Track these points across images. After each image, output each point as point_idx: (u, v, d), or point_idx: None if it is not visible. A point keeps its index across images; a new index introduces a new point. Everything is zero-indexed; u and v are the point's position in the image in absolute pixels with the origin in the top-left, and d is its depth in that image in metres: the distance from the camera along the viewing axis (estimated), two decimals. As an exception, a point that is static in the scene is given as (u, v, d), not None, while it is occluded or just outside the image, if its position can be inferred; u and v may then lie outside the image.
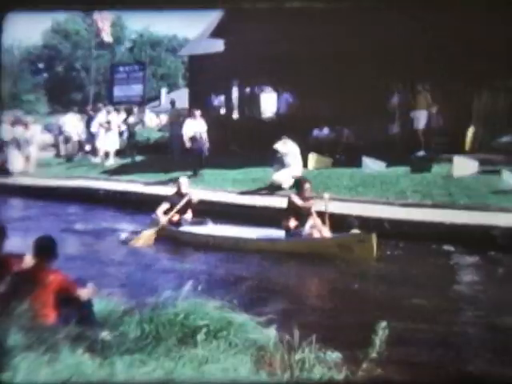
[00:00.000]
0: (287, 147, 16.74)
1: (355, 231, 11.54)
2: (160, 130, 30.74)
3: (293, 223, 12.04)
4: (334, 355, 5.57)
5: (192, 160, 19.13)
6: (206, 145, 19.21)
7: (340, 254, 11.12)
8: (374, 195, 14.65)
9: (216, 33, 24.07)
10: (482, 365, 6.44)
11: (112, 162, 23.80)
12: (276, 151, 16.66)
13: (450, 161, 15.52)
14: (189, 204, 13.57)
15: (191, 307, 5.96)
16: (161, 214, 13.41)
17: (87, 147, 26.26)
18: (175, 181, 14.45)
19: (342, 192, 15.04)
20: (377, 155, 17.11)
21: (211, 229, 13.19)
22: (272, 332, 6.00)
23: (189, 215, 13.59)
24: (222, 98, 25.45)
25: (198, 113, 19.72)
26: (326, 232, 11.81)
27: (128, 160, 23.89)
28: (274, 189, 16.49)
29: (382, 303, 8.85)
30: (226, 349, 5.56)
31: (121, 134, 25.54)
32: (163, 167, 20.34)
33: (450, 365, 6.56)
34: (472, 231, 11.66)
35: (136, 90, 27.70)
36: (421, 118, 18.35)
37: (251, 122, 23.57)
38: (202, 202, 13.92)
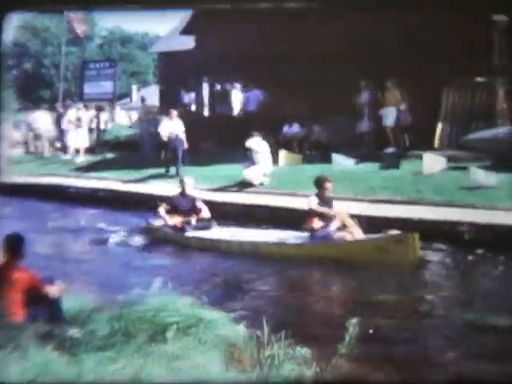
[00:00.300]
0: (258, 144, 16.77)
1: (393, 231, 10.63)
2: (130, 128, 30.63)
3: (317, 224, 11.02)
4: (303, 351, 5.59)
5: (165, 158, 19.04)
6: (184, 145, 18.95)
7: (378, 257, 10.18)
8: (344, 192, 14.67)
9: (187, 30, 24.04)
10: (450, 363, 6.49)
11: (82, 159, 23.69)
12: (247, 148, 16.68)
13: (419, 157, 15.66)
14: (194, 206, 12.85)
15: (161, 304, 5.97)
16: (166, 216, 12.69)
17: (57, 144, 26.11)
18: (180, 181, 13.44)
19: (312, 189, 15.07)
20: (346, 152, 17.24)
21: (220, 232, 12.34)
22: (242, 328, 6.03)
23: (193, 219, 12.72)
24: (193, 95, 25.40)
25: (174, 113, 19.48)
26: (358, 233, 10.82)
27: (99, 157, 23.79)
28: (244, 185, 16.52)
29: (351, 299, 8.93)
30: (196, 345, 5.57)
31: (91, 131, 25.43)
32: (134, 165, 20.29)
33: (419, 362, 6.61)
34: (439, 227, 11.75)
35: (106, 87, 27.47)
36: (390, 115, 18.46)
37: (222, 119, 23.56)
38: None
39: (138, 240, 12.66)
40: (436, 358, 6.67)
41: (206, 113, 25.08)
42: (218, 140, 21.62)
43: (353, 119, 19.21)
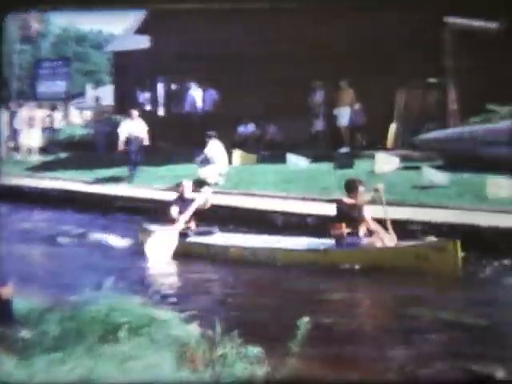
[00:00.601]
0: (213, 144, 16.78)
1: (431, 238, 10.05)
2: (84, 127, 30.40)
3: (346, 230, 10.29)
4: (256, 350, 5.61)
5: (121, 159, 18.88)
6: (144, 146, 18.54)
7: (415, 264, 9.57)
8: (298, 191, 14.79)
9: (141, 29, 23.97)
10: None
11: (35, 158, 23.46)
12: (202, 147, 16.69)
13: (373, 157, 15.81)
14: (197, 210, 12.04)
15: (113, 304, 5.95)
16: (178, 217, 11.82)
17: (10, 144, 25.81)
18: (179, 184, 12.72)
19: (267, 188, 15.15)
20: (301, 152, 17.33)
21: (222, 238, 11.69)
22: (195, 328, 6.04)
23: (192, 224, 12.05)
24: (148, 94, 25.32)
25: (135, 113, 19.00)
26: (390, 240, 10.20)
27: (52, 157, 23.58)
28: (199, 185, 16.51)
29: (305, 298, 8.97)
30: (148, 345, 5.56)
31: (44, 130, 25.19)
32: (88, 165, 20.14)
33: (371, 360, 6.66)
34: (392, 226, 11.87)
35: (60, 85, 27.29)
36: (344, 115, 18.61)
37: (177, 118, 23.51)
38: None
39: (121, 241, 12.38)
40: (388, 356, 6.71)
41: (161, 112, 25.01)
42: (173, 140, 21.58)
43: (307, 119, 19.33)
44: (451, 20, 17.34)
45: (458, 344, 6.87)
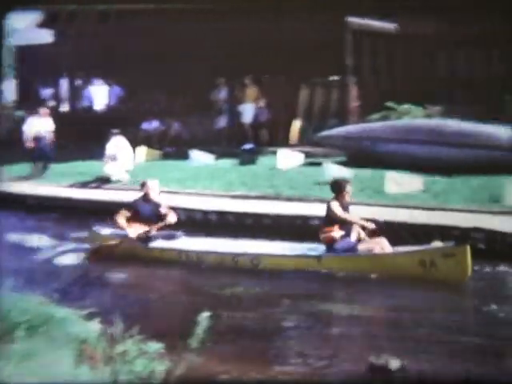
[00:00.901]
0: (117, 141, 16.68)
1: (437, 243, 9.32)
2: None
3: (338, 233, 9.55)
4: (156, 346, 5.62)
5: (25, 155, 18.47)
6: (50, 145, 18.13)
7: (422, 273, 8.93)
8: (202, 187, 14.85)
9: (45, 23, 23.53)
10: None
11: None
12: (106, 144, 16.57)
13: (276, 153, 16.01)
14: (159, 213, 10.90)
15: (11, 303, 5.89)
16: (125, 224, 10.73)
17: None
18: (142, 184, 11.29)
19: (171, 185, 15.15)
20: (205, 148, 17.40)
21: (188, 243, 10.67)
22: (95, 325, 6.02)
23: (153, 228, 10.78)
24: (52, 90, 24.89)
25: (43, 110, 18.54)
26: (386, 245, 9.47)
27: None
28: (102, 181, 16.41)
29: (205, 293, 9.02)
30: (47, 344, 5.53)
31: None
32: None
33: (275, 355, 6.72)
34: (294, 222, 12.08)
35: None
36: (248, 112, 18.76)
37: (81, 115, 23.22)
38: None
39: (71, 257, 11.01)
40: (295, 352, 6.76)
41: (65, 109, 24.63)
42: (77, 136, 21.29)
43: (212, 116, 19.42)
44: (351, 20, 17.71)
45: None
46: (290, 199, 13.50)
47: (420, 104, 17.07)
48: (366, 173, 14.21)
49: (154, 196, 11.02)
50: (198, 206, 13.41)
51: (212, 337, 5.81)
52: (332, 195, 9.86)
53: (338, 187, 9.79)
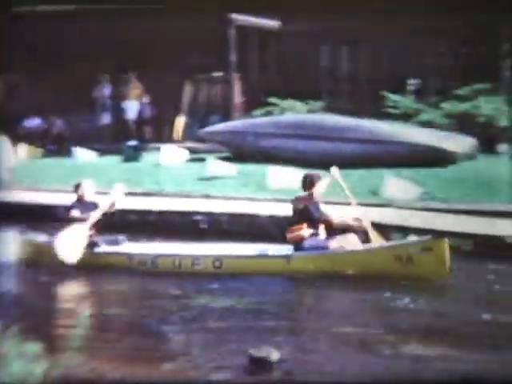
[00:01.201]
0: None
1: (412, 237, 9.17)
2: None
3: (307, 231, 8.93)
4: (34, 347, 5.53)
5: None
6: None
7: (398, 269, 8.48)
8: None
9: None
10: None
11: None
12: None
13: (160, 150, 15.96)
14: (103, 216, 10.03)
15: None
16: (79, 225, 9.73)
17: None
18: (76, 186, 10.35)
19: (52, 183, 14.88)
20: (88, 145, 17.18)
21: (138, 248, 9.94)
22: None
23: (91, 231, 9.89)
24: None
25: None
26: (356, 242, 8.90)
27: None
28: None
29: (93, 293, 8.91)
30: None
31: None
32: None
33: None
34: (180, 218, 12.08)
35: None
36: (132, 108, 18.64)
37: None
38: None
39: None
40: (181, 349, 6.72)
41: None
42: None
43: (95, 112, 19.19)
44: (235, 16, 17.82)
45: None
46: (175, 195, 13.49)
47: (303, 100, 17.37)
48: (250, 168, 14.35)
49: (90, 196, 10.26)
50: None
51: (95, 336, 5.77)
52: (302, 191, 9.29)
53: (307, 182, 9.17)
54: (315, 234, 8.91)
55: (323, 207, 9.07)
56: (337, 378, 5.66)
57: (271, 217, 11.21)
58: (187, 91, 18.80)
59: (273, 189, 13.09)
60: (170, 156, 15.62)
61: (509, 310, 7.34)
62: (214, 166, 14.37)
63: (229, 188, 13.51)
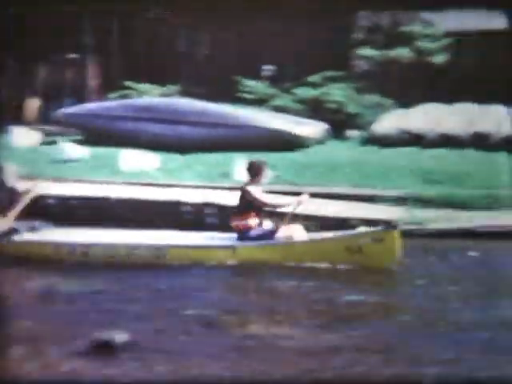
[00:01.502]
0: None
1: (363, 227, 8.85)
2: None
3: (254, 221, 8.64)
4: None
5: None
6: None
7: (347, 259, 8.34)
8: None
9: None
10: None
11: None
12: None
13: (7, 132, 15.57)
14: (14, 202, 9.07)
15: None
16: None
17: None
18: None
19: None
20: None
21: (58, 235, 9.14)
22: None
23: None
24: None
25: None
26: (302, 232, 8.78)
27: None
28: None
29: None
30: None
31: None
32: None
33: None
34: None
35: None
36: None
37: None
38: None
39: None
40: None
41: None
42: None
43: None
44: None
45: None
46: (25, 178, 13.20)
47: (158, 83, 17.38)
48: (102, 151, 14.25)
49: (11, 182, 9.26)
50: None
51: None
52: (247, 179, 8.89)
53: (254, 170, 8.81)
54: (261, 224, 8.67)
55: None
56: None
57: (122, 200, 11.22)
58: (40, 73, 18.42)
59: (126, 172, 13.08)
60: (23, 138, 15.29)
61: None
62: (67, 148, 14.19)
63: (81, 171, 13.38)
